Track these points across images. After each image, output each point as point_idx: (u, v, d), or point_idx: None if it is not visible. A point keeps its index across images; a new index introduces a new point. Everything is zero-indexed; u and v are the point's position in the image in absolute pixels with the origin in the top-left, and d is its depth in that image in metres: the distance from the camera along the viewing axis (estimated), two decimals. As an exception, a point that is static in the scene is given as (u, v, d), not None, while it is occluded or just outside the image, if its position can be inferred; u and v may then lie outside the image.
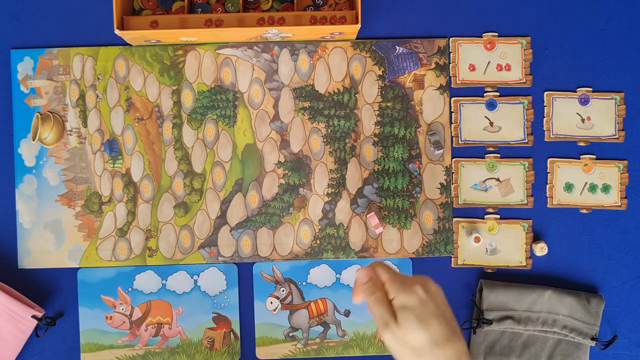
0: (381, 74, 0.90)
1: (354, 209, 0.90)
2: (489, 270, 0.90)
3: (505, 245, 0.90)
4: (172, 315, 0.89)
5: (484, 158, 0.90)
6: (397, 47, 0.90)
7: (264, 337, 0.89)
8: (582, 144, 0.90)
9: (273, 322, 0.89)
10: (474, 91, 0.91)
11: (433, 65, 0.90)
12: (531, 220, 0.90)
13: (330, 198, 0.90)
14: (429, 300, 0.63)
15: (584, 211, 0.90)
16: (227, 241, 0.89)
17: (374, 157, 0.90)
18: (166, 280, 0.89)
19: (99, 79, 0.90)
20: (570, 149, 0.90)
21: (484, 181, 0.90)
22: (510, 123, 0.90)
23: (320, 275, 0.90)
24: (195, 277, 0.89)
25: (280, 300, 0.89)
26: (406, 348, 0.62)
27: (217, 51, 0.90)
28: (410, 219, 0.90)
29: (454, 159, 0.90)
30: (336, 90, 0.90)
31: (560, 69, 0.91)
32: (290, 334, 0.89)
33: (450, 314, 0.64)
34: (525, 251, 0.90)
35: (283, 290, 0.89)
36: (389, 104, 0.90)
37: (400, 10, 0.91)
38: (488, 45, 0.91)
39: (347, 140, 0.90)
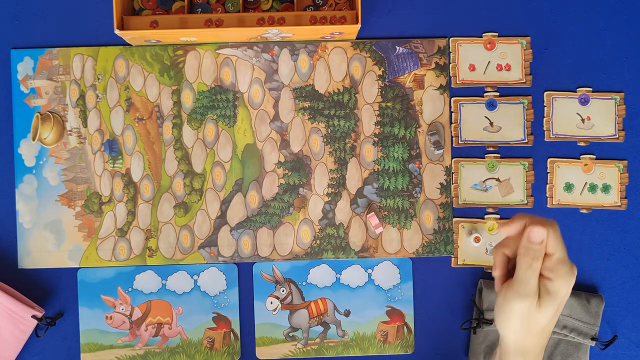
0: (381, 74, 0.90)
1: (354, 209, 0.90)
2: (489, 270, 0.90)
3: (505, 245, 0.90)
4: (172, 315, 0.89)
5: (484, 158, 0.90)
6: (397, 47, 0.90)
7: (264, 337, 0.89)
8: (582, 144, 0.90)
9: (273, 322, 0.89)
10: (474, 91, 0.91)
11: (433, 65, 0.90)
12: (531, 220, 0.90)
13: (330, 198, 0.90)
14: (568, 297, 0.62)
15: (584, 211, 0.90)
16: (227, 241, 0.89)
17: (374, 157, 0.90)
18: (166, 280, 0.89)
19: (99, 79, 0.90)
20: (570, 149, 0.91)
21: (484, 181, 0.90)
22: (510, 123, 0.90)
23: (320, 275, 0.90)
24: (195, 277, 0.89)
25: (280, 300, 0.89)
26: (521, 321, 0.61)
27: (217, 51, 0.90)
28: (410, 219, 0.90)
29: (454, 159, 0.90)
30: (336, 90, 0.90)
31: (560, 69, 0.91)
32: (290, 334, 0.89)
33: None
34: (525, 251, 0.90)
35: (283, 290, 0.89)
36: (389, 104, 0.90)
37: (400, 10, 0.91)
38: (488, 45, 0.91)
39: (347, 140, 0.90)
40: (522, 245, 0.61)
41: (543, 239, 0.60)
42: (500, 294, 0.64)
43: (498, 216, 0.90)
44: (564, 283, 0.60)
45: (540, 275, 0.61)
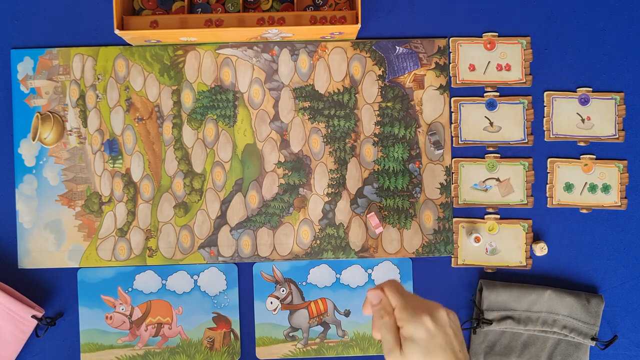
0: (381, 74, 0.90)
1: (354, 209, 0.90)
2: (489, 270, 0.90)
3: (505, 245, 0.90)
4: (172, 315, 0.89)
5: (484, 158, 0.90)
6: (397, 47, 0.90)
7: (264, 337, 0.89)
8: (582, 144, 0.90)
9: (273, 322, 0.89)
10: (474, 91, 0.91)
11: (433, 65, 0.90)
12: (531, 220, 0.90)
13: (330, 198, 0.90)
14: (437, 333, 0.62)
15: (584, 211, 0.90)
16: (227, 241, 0.89)
17: (374, 157, 0.90)
18: (166, 280, 0.89)
19: (99, 79, 0.90)
20: (570, 149, 0.91)
21: (484, 181, 0.90)
22: (510, 123, 0.90)
23: (320, 275, 0.90)
24: (195, 277, 0.89)
25: (280, 300, 0.89)
26: None
27: (217, 51, 0.90)
28: (410, 219, 0.90)
29: (454, 159, 0.90)
30: (336, 90, 0.90)
31: (560, 69, 0.91)
32: (290, 334, 0.89)
33: (460, 343, 0.64)
34: (525, 251, 0.90)
35: (283, 290, 0.89)
36: (389, 104, 0.90)
37: (400, 10, 0.91)
38: (488, 45, 0.91)
39: (347, 140, 0.90)
40: (368, 307, 0.67)
41: (379, 298, 0.66)
42: None
43: (498, 216, 0.90)
44: (413, 325, 0.62)
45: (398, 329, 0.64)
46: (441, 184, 0.90)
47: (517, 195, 0.90)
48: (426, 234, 0.90)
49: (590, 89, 0.91)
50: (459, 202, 0.90)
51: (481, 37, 0.91)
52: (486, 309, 0.86)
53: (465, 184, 0.90)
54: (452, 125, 0.90)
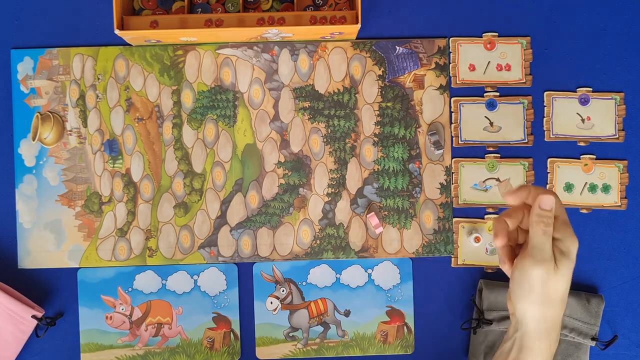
0: (381, 74, 0.90)
1: (354, 209, 0.90)
2: (489, 270, 0.90)
3: (505, 245, 0.90)
4: (172, 315, 0.89)
5: (484, 158, 0.90)
6: (397, 47, 0.90)
7: (264, 337, 0.89)
8: (582, 144, 0.90)
9: (273, 322, 0.89)
10: (474, 91, 0.91)
11: (433, 65, 0.90)
12: (531, 220, 0.90)
13: (330, 198, 0.90)
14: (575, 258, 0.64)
15: (584, 211, 0.90)
16: (227, 241, 0.89)
17: (374, 157, 0.90)
18: (166, 280, 0.89)
19: (99, 79, 0.90)
20: (570, 149, 0.91)
21: (484, 181, 0.90)
22: (510, 123, 0.90)
23: (320, 275, 0.90)
24: (195, 277, 0.89)
25: (280, 300, 0.89)
26: (542, 288, 0.63)
27: (217, 51, 0.90)
28: (410, 219, 0.90)
29: (454, 159, 0.90)
30: (336, 90, 0.90)
31: (560, 69, 0.91)
32: (290, 334, 0.89)
33: None
34: (525, 251, 0.90)
35: (283, 290, 0.89)
36: (389, 104, 0.90)
37: (400, 10, 0.91)
38: (488, 45, 0.91)
39: (347, 140, 0.90)
40: (534, 213, 0.64)
41: (553, 206, 0.63)
42: (516, 267, 0.65)
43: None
44: (572, 241, 0.63)
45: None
46: (441, 184, 0.90)
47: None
48: (426, 234, 0.90)
49: (590, 89, 0.91)
50: (459, 202, 0.90)
51: (481, 37, 0.91)
52: (486, 309, 0.86)
53: (465, 184, 0.90)
54: (452, 125, 0.90)
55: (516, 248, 0.69)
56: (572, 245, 0.63)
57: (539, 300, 0.64)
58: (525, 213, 0.67)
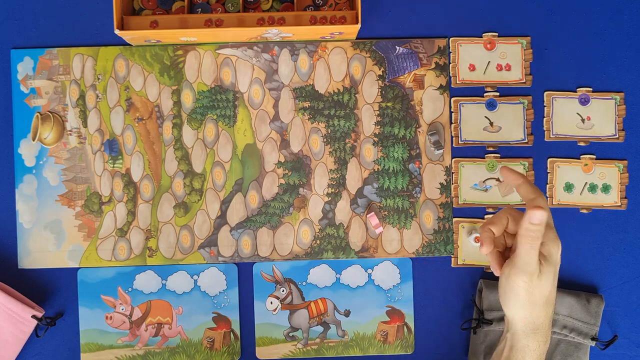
0: (381, 74, 0.90)
1: (354, 209, 0.90)
2: (489, 271, 0.90)
3: (505, 245, 0.90)
4: (172, 315, 0.89)
5: (484, 158, 0.90)
6: (397, 47, 0.90)
7: (264, 337, 0.89)
8: (582, 144, 0.90)
9: (273, 322, 0.89)
10: (474, 91, 0.91)
11: (433, 65, 0.90)
12: (531, 220, 0.90)
13: (330, 198, 0.90)
14: (559, 259, 0.65)
15: (584, 211, 0.90)
16: (227, 241, 0.89)
17: (374, 157, 0.90)
18: (166, 280, 0.89)
19: (99, 79, 0.90)
20: (570, 149, 0.91)
21: (484, 181, 0.90)
22: (510, 123, 0.90)
23: (320, 275, 0.90)
24: (195, 277, 0.89)
25: (280, 300, 0.89)
26: (527, 295, 0.64)
27: (217, 51, 0.90)
28: (410, 219, 0.90)
29: (454, 159, 0.90)
30: (336, 90, 0.90)
31: (560, 69, 0.91)
32: (290, 334, 0.89)
33: None
34: (525, 251, 0.90)
35: (283, 290, 0.89)
36: (389, 104, 0.90)
37: (400, 10, 0.91)
38: (488, 45, 0.91)
39: (347, 140, 0.90)
40: (523, 227, 0.63)
41: (543, 220, 0.63)
42: (503, 274, 0.67)
43: (498, 216, 0.90)
44: (554, 245, 0.64)
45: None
46: (441, 184, 0.90)
47: (517, 196, 0.90)
48: (426, 234, 0.90)
49: (590, 89, 0.91)
50: (459, 202, 0.90)
51: (481, 37, 0.91)
52: (486, 309, 0.86)
53: (465, 184, 0.90)
54: (452, 125, 0.90)
55: (505, 252, 0.70)
56: (554, 249, 0.64)
57: (525, 304, 0.65)
58: (509, 219, 0.68)
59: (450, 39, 0.91)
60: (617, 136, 0.90)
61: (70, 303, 0.89)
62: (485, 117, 0.90)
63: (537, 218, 0.62)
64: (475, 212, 0.90)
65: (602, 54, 0.91)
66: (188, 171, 0.90)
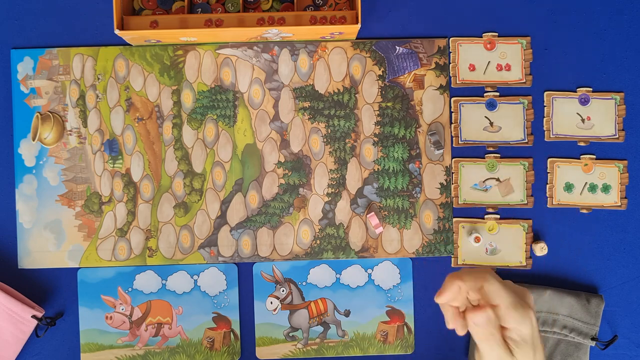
0: (381, 74, 0.90)
1: (354, 209, 0.90)
2: (489, 270, 0.90)
3: (505, 245, 0.90)
4: (172, 315, 0.89)
5: (484, 158, 0.90)
6: (397, 47, 0.90)
7: (264, 337, 0.89)
8: (582, 144, 0.90)
9: (273, 322, 0.89)
10: (474, 91, 0.91)
11: (433, 65, 0.90)
12: (531, 221, 0.90)
13: (330, 198, 0.90)
14: (536, 324, 0.57)
15: (584, 211, 0.90)
16: (227, 241, 0.89)
17: (374, 157, 0.90)
18: (166, 280, 0.89)
19: (99, 79, 0.90)
20: (570, 149, 0.91)
21: (484, 181, 0.90)
22: (510, 123, 0.90)
23: (320, 275, 0.90)
24: (195, 277, 0.89)
25: (280, 300, 0.89)
26: None
27: (217, 51, 0.90)
28: (410, 219, 0.90)
29: (454, 159, 0.90)
30: (336, 90, 0.90)
31: (560, 69, 0.91)
32: (290, 334, 0.89)
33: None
34: (525, 251, 0.90)
35: (283, 290, 0.89)
36: (389, 104, 0.90)
37: (400, 10, 0.91)
38: (488, 45, 0.91)
39: (347, 140, 0.90)
40: (471, 329, 0.58)
41: (488, 319, 0.57)
42: (477, 350, 0.62)
43: (498, 216, 0.90)
44: (523, 325, 0.57)
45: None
46: (441, 184, 0.90)
47: (517, 195, 0.90)
48: (426, 234, 0.90)
49: (590, 89, 0.91)
50: (459, 202, 0.90)
51: (481, 37, 0.91)
52: (486, 309, 0.86)
53: (465, 184, 0.90)
54: (452, 125, 0.90)
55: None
56: (524, 329, 0.57)
57: None
58: (460, 287, 0.60)
59: (450, 39, 0.91)
60: (617, 136, 0.90)
61: (70, 303, 0.89)
62: (485, 117, 0.90)
63: (479, 321, 0.57)
64: (475, 212, 0.90)
65: (602, 54, 0.91)
66: (188, 171, 0.90)
